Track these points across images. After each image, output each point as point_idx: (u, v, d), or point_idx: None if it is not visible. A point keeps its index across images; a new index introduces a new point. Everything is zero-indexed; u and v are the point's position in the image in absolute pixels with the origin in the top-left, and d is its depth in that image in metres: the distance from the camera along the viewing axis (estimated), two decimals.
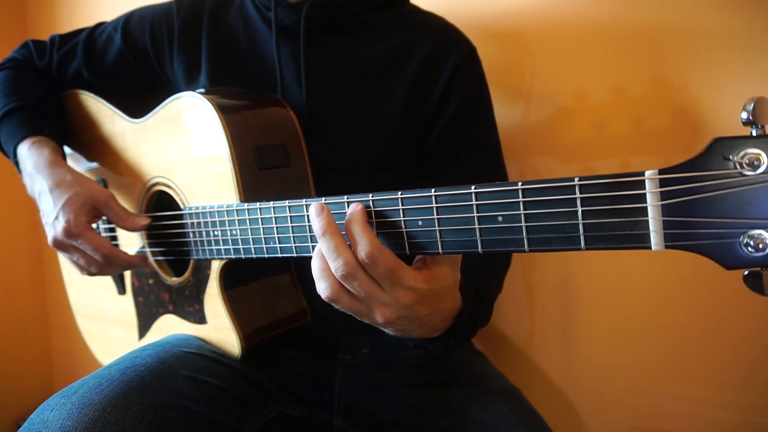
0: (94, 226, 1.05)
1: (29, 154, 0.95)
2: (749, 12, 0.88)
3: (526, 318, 1.16)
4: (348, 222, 0.59)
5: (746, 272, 0.44)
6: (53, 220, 0.89)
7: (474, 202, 0.53)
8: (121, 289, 1.07)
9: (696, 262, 0.94)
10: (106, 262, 0.90)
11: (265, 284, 0.89)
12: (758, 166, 0.41)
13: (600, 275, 1.07)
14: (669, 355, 1.02)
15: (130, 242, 1.03)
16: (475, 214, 0.53)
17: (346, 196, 0.62)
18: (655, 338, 1.03)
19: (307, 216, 0.67)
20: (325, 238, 0.59)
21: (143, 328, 1.04)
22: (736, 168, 0.41)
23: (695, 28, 0.93)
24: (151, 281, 1.00)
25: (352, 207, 0.60)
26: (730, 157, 0.42)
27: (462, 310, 0.68)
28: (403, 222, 0.58)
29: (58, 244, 0.90)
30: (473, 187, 0.53)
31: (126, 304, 1.07)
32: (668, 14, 0.95)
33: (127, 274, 1.06)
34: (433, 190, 0.56)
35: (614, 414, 1.08)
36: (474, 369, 0.93)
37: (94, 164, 1.09)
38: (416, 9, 0.99)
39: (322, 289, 0.61)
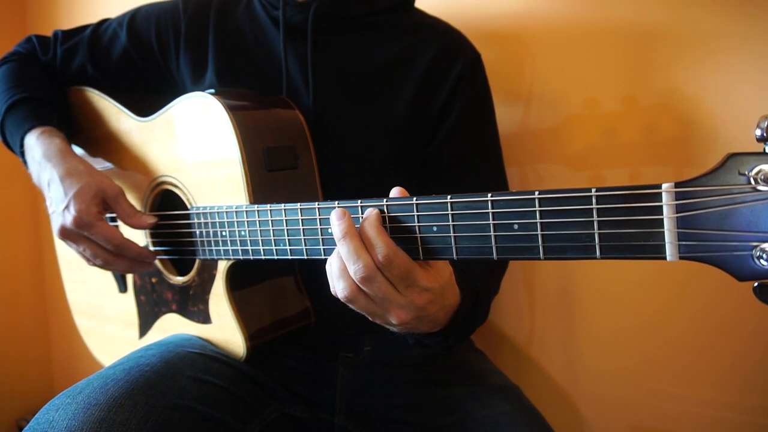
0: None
1: (38, 143, 0.93)
2: (762, 20, 0.89)
3: (527, 317, 1.18)
4: (363, 225, 0.60)
5: (756, 284, 0.45)
6: (63, 210, 0.87)
7: (490, 210, 0.54)
8: (122, 288, 1.07)
9: (697, 264, 0.96)
10: (116, 252, 0.89)
11: (270, 285, 0.90)
12: None
13: (600, 274, 1.09)
14: (669, 355, 1.04)
15: (134, 240, 1.02)
16: (491, 222, 0.55)
17: (360, 201, 0.63)
18: (655, 338, 1.05)
19: (319, 219, 0.68)
20: (345, 241, 0.60)
21: (144, 326, 1.04)
22: (750, 183, 0.43)
23: (705, 34, 0.94)
24: (153, 280, 1.00)
25: (368, 211, 0.61)
26: (745, 172, 0.43)
27: (461, 303, 0.70)
28: (417, 227, 0.59)
29: (66, 234, 0.88)
30: (489, 195, 0.54)
31: (127, 303, 1.07)
32: (677, 19, 0.96)
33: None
34: (449, 196, 0.57)
35: (614, 413, 1.10)
36: (474, 367, 0.95)
37: (99, 161, 1.08)
38: (422, 14, 0.99)
39: (341, 289, 0.62)
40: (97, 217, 0.87)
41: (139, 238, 1.01)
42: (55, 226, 0.89)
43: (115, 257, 0.90)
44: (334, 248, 0.67)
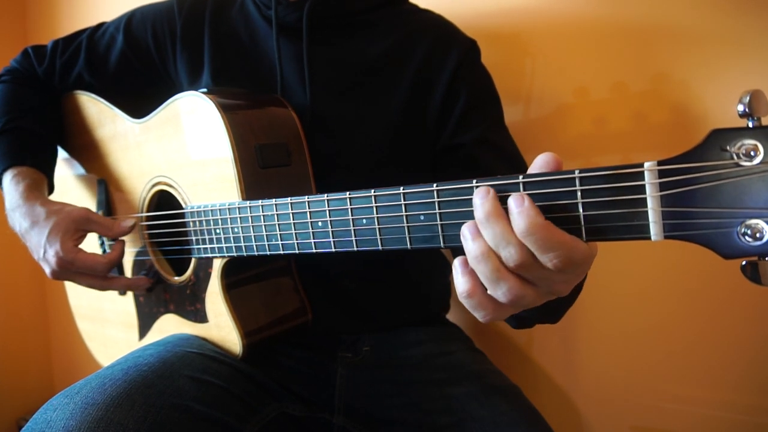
0: (98, 242, 1.07)
1: (8, 190, 0.98)
2: (748, 9, 0.89)
3: None
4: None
5: (744, 262, 0.44)
6: (43, 256, 0.91)
7: None
8: (122, 290, 1.07)
9: (696, 262, 0.95)
10: (106, 275, 0.93)
11: (266, 282, 0.90)
12: (754, 157, 0.41)
13: (600, 275, 1.07)
14: (669, 355, 1.02)
15: (131, 243, 1.03)
16: None
17: (348, 192, 0.63)
18: (655, 338, 1.03)
19: (309, 213, 0.68)
20: (490, 223, 0.50)
21: (144, 328, 1.04)
22: (733, 159, 0.42)
23: (695, 25, 0.94)
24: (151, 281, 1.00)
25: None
26: (727, 147, 0.42)
27: None
28: (405, 217, 0.59)
29: (57, 275, 0.92)
30: (474, 180, 0.54)
31: (126, 305, 1.07)
32: (667, 11, 0.96)
33: (128, 274, 1.06)
34: (435, 184, 0.56)
35: (614, 413, 1.09)
36: (474, 367, 0.94)
37: (95, 165, 1.09)
38: (415, 8, 1.00)
39: (503, 292, 0.51)
40: (75, 250, 0.90)
41: (137, 239, 1.02)
42: (47, 273, 0.93)
43: (108, 281, 0.94)
44: (324, 241, 0.67)
